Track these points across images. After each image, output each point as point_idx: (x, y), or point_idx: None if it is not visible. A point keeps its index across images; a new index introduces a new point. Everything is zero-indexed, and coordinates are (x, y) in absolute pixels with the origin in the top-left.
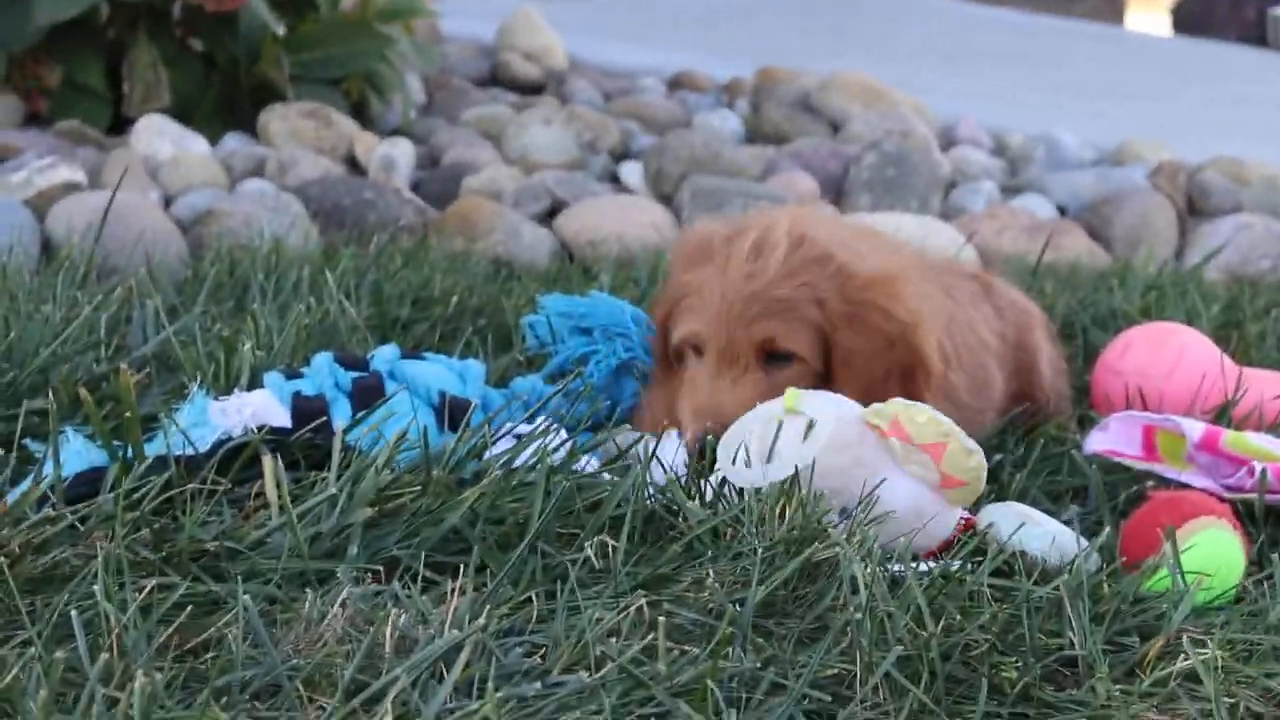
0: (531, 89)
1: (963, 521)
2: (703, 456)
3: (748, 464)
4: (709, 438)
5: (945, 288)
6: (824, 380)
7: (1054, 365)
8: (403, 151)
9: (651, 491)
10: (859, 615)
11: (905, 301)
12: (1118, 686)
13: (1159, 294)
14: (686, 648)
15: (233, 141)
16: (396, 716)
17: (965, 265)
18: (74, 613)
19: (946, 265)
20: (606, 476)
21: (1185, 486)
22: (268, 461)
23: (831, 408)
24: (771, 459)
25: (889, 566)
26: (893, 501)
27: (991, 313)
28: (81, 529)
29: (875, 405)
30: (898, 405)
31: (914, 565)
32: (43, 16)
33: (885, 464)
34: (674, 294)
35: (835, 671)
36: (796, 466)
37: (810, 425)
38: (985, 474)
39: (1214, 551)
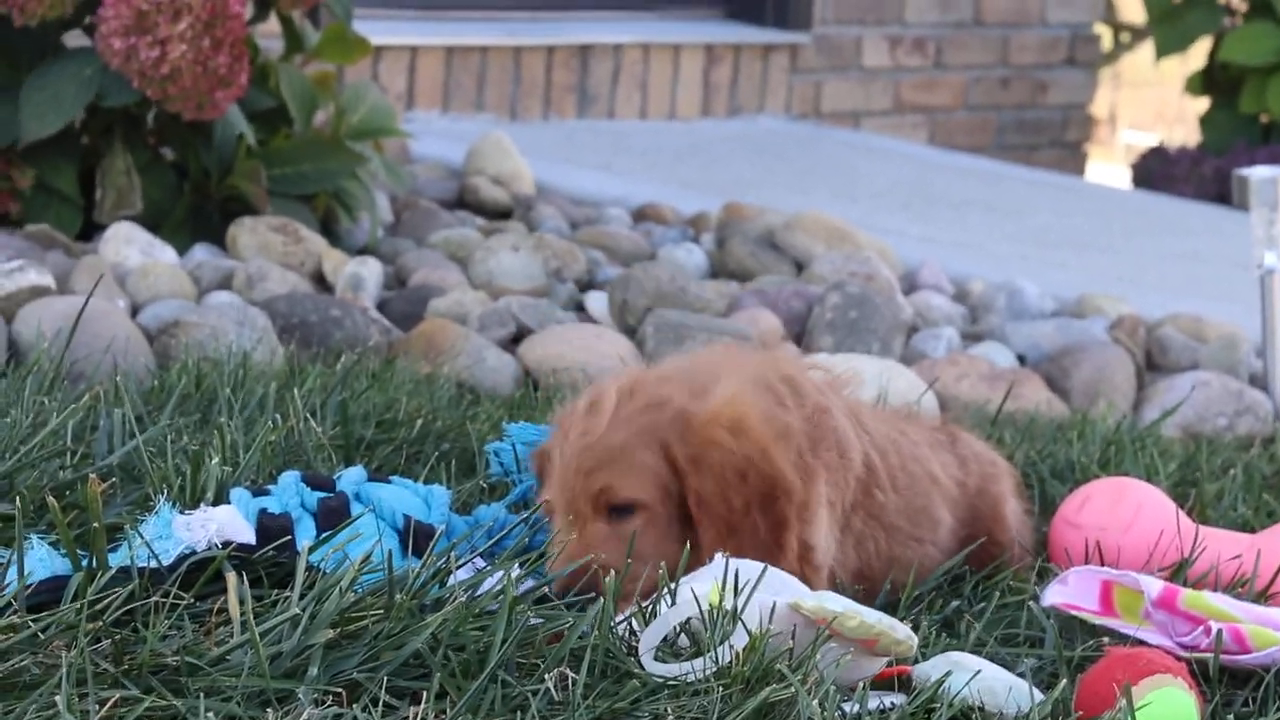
0: (498, 213)
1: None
2: (564, 595)
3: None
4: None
5: (899, 429)
6: (681, 525)
7: (1018, 516)
8: (371, 271)
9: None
10: None
11: (749, 433)
12: None
13: (1117, 448)
14: None
15: (201, 252)
16: None
17: (931, 418)
18: None
19: (909, 415)
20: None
21: (1141, 643)
22: (231, 578)
23: (756, 597)
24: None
25: (843, 708)
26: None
27: (953, 461)
28: (42, 638)
29: (805, 600)
30: (826, 608)
31: (871, 708)
32: (29, 133)
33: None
34: (539, 460)
35: None
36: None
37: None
38: (916, 644)
39: (1169, 709)
